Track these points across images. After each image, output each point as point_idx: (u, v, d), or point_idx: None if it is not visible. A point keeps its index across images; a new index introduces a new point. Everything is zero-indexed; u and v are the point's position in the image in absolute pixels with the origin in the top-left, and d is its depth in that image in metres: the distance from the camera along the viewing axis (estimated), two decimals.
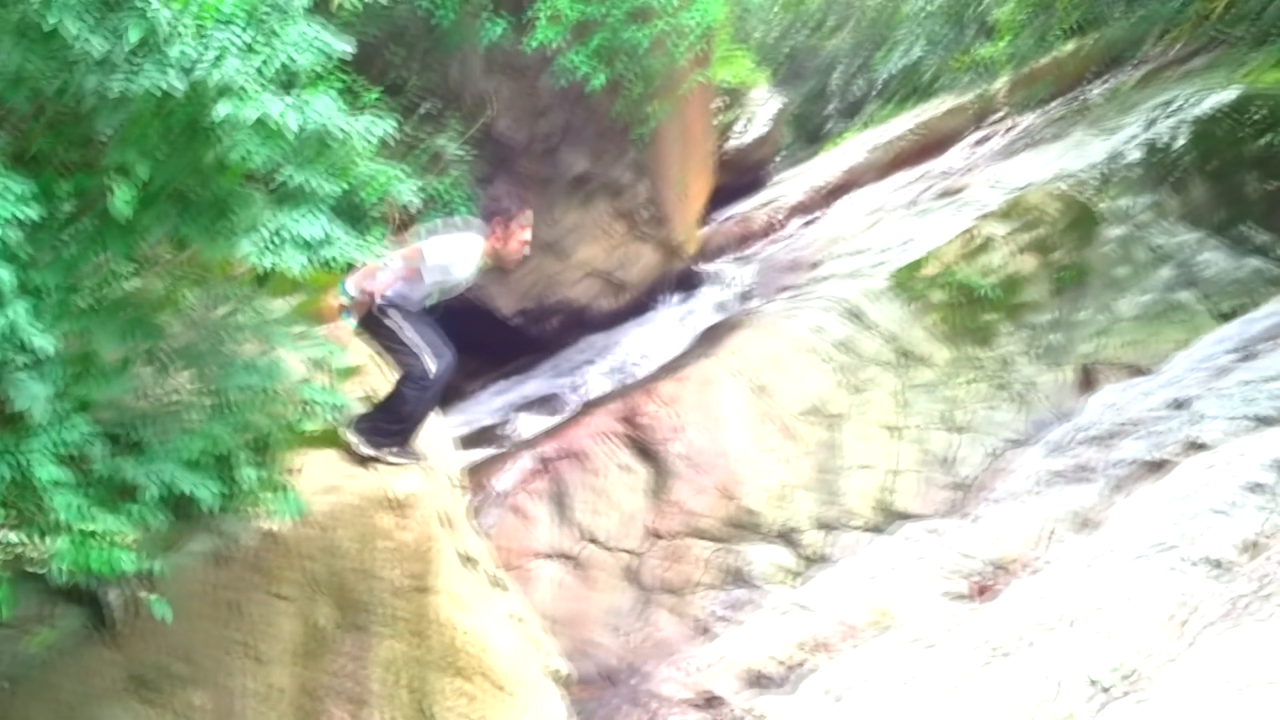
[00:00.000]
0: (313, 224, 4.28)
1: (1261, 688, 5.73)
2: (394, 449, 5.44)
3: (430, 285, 5.65)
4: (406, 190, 5.51)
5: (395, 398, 5.52)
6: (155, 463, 4.22)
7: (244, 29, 3.84)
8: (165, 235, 4.23)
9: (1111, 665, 6.40)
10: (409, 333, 5.50)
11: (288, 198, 4.32)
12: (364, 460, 5.38)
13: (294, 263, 4.24)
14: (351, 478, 5.29)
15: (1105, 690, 6.13)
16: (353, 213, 6.29)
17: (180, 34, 3.71)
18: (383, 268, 5.45)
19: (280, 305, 5.38)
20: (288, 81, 4.06)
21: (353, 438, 5.40)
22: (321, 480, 5.16)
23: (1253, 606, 6.64)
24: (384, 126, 4.19)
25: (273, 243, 4.24)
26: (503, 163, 10.99)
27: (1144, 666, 6.35)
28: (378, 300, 5.48)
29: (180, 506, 4.34)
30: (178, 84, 3.70)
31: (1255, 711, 5.61)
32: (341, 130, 4.02)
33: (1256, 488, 7.78)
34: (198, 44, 3.72)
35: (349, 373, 5.77)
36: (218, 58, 3.72)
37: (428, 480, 5.61)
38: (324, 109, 3.97)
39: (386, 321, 5.52)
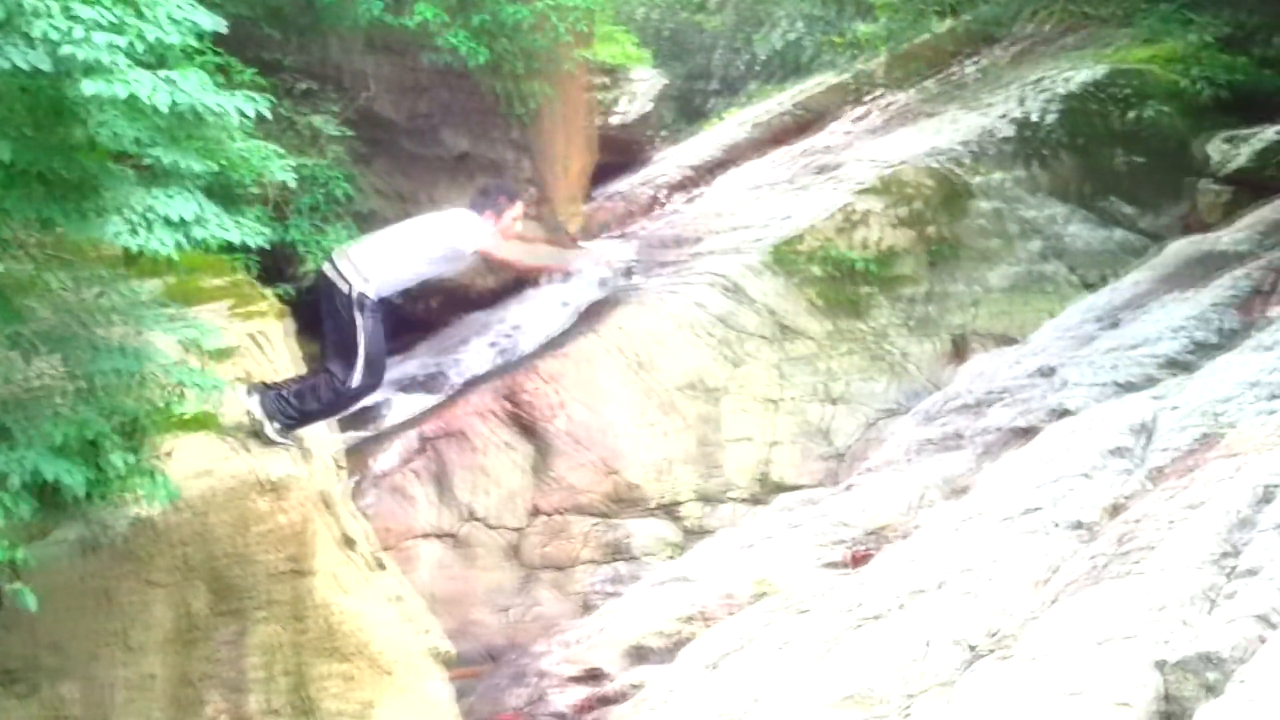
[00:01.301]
0: (184, 204, 4.23)
1: (1119, 642, 5.96)
2: (278, 427, 5.40)
3: (436, 272, 5.60)
4: (281, 169, 5.47)
5: (308, 390, 5.45)
6: (20, 450, 4.14)
7: (111, 6, 3.77)
8: (30, 217, 4.16)
9: (979, 625, 6.60)
10: (365, 339, 5.40)
11: (158, 177, 4.27)
12: (252, 428, 5.32)
13: (165, 243, 4.20)
14: (226, 461, 5.24)
15: (973, 649, 6.32)
16: (226, 192, 6.23)
17: (45, 10, 3.64)
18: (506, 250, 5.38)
19: (151, 287, 5.32)
20: (158, 59, 4.01)
21: (249, 401, 5.33)
22: (195, 464, 5.10)
23: (1113, 565, 6.89)
24: (258, 105, 4.15)
25: (143, 223, 4.19)
26: (382, 142, 10.91)
27: (1010, 625, 6.56)
28: (372, 293, 5.37)
29: (47, 494, 4.27)
30: (42, 62, 3.64)
31: (1113, 664, 5.84)
32: (214, 108, 3.97)
33: (1119, 451, 8.07)
34: (64, 21, 3.65)
35: (223, 354, 5.70)
36: (84, 35, 3.65)
37: (304, 462, 5.58)
38: (195, 87, 3.92)
39: (359, 316, 5.41)
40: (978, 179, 11.77)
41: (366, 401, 5.67)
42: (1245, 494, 7.19)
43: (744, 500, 8.67)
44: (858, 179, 11.87)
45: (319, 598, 5.48)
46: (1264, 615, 6.20)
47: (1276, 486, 7.25)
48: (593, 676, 6.97)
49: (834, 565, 7.61)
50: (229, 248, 4.97)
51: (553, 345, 9.78)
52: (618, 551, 8.17)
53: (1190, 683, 5.87)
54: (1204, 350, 9.09)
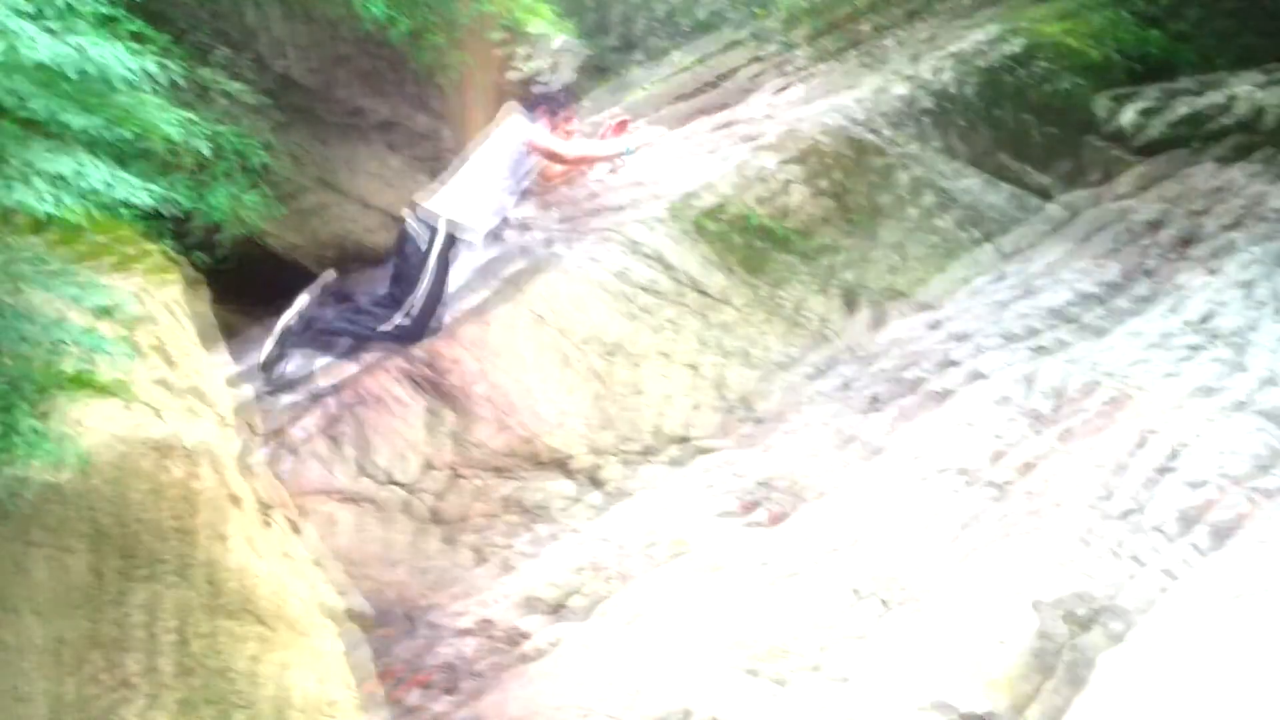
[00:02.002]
0: (96, 169, 4.19)
1: (993, 582, 6.16)
2: (285, 365, 5.34)
3: (517, 187, 5.52)
4: (196, 137, 5.42)
5: (358, 317, 5.37)
6: None
7: None
8: None
9: (892, 580, 6.76)
10: (429, 280, 5.36)
11: (68, 142, 4.23)
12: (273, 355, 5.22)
13: (74, 209, 4.15)
14: (136, 427, 5.20)
15: (885, 603, 6.48)
16: (139, 157, 6.15)
17: None
18: (571, 147, 5.26)
19: (64, 252, 5.26)
20: (69, 23, 3.96)
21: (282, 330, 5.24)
22: (104, 429, 5.07)
23: (1022, 522, 7.10)
24: (171, 70, 4.11)
25: (52, 188, 4.14)
26: (300, 110, 10.82)
27: (922, 580, 6.74)
28: (446, 237, 5.24)
29: None
30: None
31: (986, 603, 6.03)
32: (95, 60, 3.93)
33: (1003, 400, 8.31)
34: None
35: (137, 321, 5.65)
36: None
37: (191, 418, 5.54)
38: (107, 52, 3.88)
39: (432, 262, 5.34)
40: (897, 148, 11.88)
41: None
42: (1147, 450, 7.43)
43: (661, 461, 8.72)
44: (777, 146, 11.91)
45: (227, 560, 5.46)
46: (1165, 567, 6.45)
47: (1181, 445, 7.49)
48: (484, 628, 7.03)
49: (750, 524, 7.72)
50: (113, 202, 4.90)
51: (473, 311, 9.75)
52: (535, 512, 8.20)
53: (1091, 629, 6.09)
54: (1085, 301, 9.35)
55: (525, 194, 5.50)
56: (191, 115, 8.83)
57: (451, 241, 5.32)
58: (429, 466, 8.40)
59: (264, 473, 7.82)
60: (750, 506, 7.69)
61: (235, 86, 9.78)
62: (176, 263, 6.79)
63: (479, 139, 5.73)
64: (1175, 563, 6.36)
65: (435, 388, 8.84)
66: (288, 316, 5.37)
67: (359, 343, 5.47)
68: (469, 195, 5.32)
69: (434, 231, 5.29)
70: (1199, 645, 5.50)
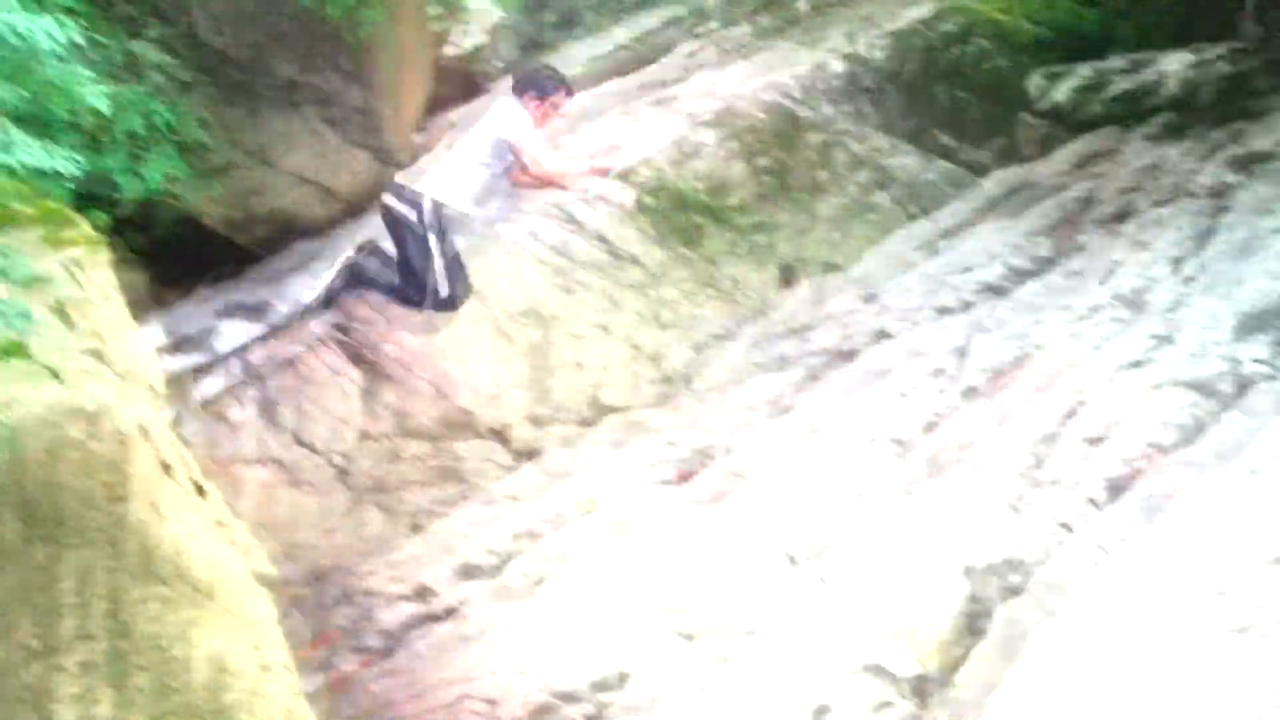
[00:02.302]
0: (25, 142, 4.08)
1: (925, 548, 6.24)
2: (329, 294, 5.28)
3: (495, 173, 5.45)
4: (98, 97, 5.29)
5: (381, 277, 5.27)
6: None
7: None
8: None
9: (802, 538, 6.83)
10: (440, 260, 5.30)
11: None
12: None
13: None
14: (67, 397, 5.11)
15: (792, 560, 6.54)
16: (38, 120, 6.01)
17: None
18: (544, 158, 5.21)
19: None
20: None
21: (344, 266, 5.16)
22: (34, 400, 4.97)
23: (926, 479, 7.20)
24: (69, 29, 4.00)
25: None
26: (207, 69, 10.59)
27: (828, 538, 6.80)
28: (434, 213, 5.20)
29: None
30: None
31: (918, 569, 6.12)
32: (22, 32, 3.83)
33: (936, 372, 8.39)
34: None
35: (32, 282, 5.55)
36: None
37: (121, 390, 5.48)
38: (35, 24, 3.78)
39: (430, 238, 5.29)
40: (809, 112, 11.96)
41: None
42: (1052, 410, 7.56)
43: (574, 423, 8.73)
44: (693, 112, 11.95)
45: (138, 524, 5.38)
46: (1065, 522, 6.57)
47: (1081, 403, 7.62)
48: (420, 594, 7.00)
49: (661, 483, 7.76)
50: (41, 175, 4.80)
51: None
52: (448, 475, 8.17)
53: (995, 586, 6.20)
54: (1018, 276, 9.45)
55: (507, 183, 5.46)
56: (123, 89, 8.72)
57: (439, 215, 5.29)
58: (359, 435, 8.34)
59: (194, 441, 7.74)
60: (686, 476, 7.73)
61: (169, 61, 9.60)
62: (107, 237, 6.68)
63: (467, 120, 5.71)
64: (1105, 533, 6.46)
65: (344, 348, 8.76)
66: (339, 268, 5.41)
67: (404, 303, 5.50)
68: (452, 178, 5.28)
69: (420, 209, 5.25)
70: (1129, 618, 5.61)
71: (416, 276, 5.40)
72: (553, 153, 5.19)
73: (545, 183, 5.39)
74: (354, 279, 5.42)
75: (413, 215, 5.29)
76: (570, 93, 5.81)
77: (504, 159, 5.44)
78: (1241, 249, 8.85)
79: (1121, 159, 10.93)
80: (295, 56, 11.07)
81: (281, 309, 9.58)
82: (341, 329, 8.86)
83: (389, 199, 5.51)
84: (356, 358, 8.68)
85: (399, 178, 5.57)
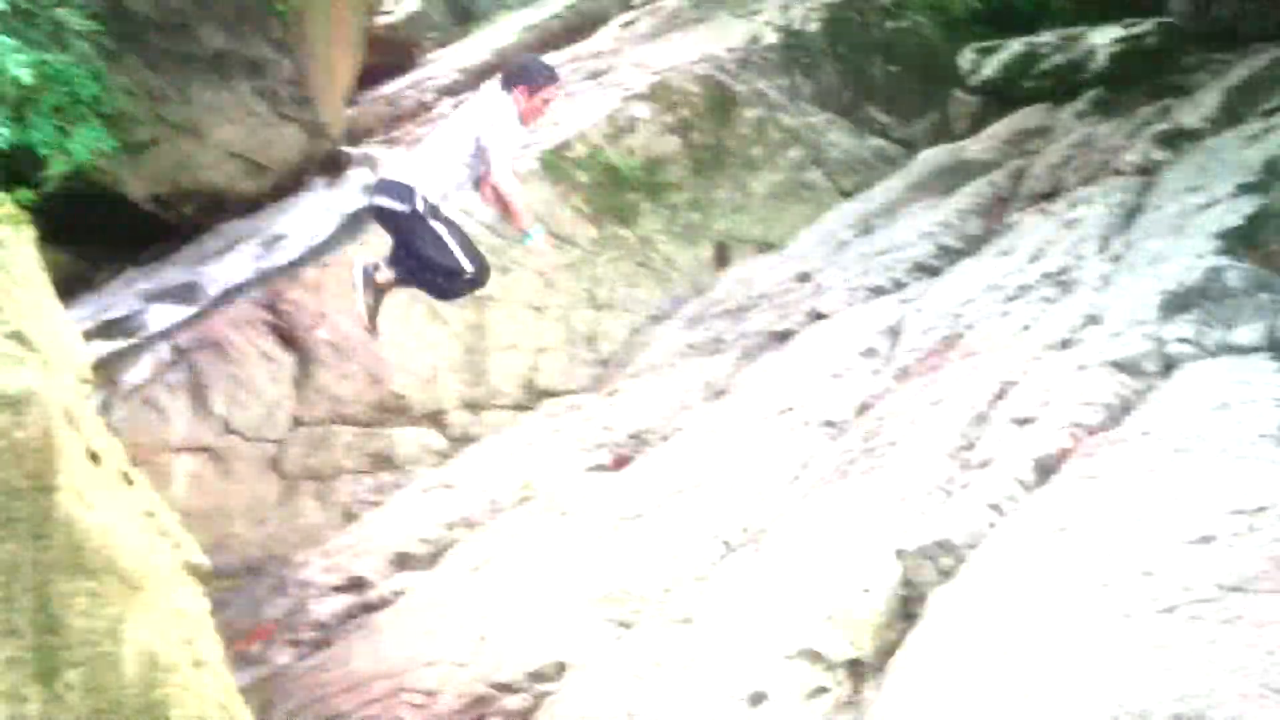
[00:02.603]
0: None
1: (859, 532, 6.27)
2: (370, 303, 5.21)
3: (476, 172, 5.34)
4: (21, 66, 5.15)
5: (428, 277, 5.19)
6: None
7: None
8: None
9: (734, 521, 6.84)
10: (453, 241, 5.18)
11: None
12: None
13: None
14: None
15: (728, 544, 6.55)
16: None
17: None
18: (507, 175, 5.09)
19: None
20: None
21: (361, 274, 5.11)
22: None
23: (859, 461, 7.22)
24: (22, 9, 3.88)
25: None
26: (133, 38, 10.38)
27: (763, 520, 6.83)
28: (428, 201, 5.11)
29: None
30: None
31: (852, 553, 6.15)
32: None
33: (868, 352, 8.41)
34: None
35: None
36: None
37: (47, 375, 5.37)
38: None
39: (434, 225, 5.17)
40: (743, 87, 11.94)
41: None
42: (982, 391, 7.61)
43: (509, 407, 8.71)
44: (627, 86, 11.91)
45: (64, 514, 5.30)
46: (995, 504, 6.62)
47: (1010, 383, 7.69)
48: (355, 584, 6.96)
49: (596, 468, 7.75)
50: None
51: (315, 254, 9.58)
52: (382, 461, 8.13)
53: (927, 568, 6.24)
54: (949, 255, 9.50)
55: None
56: (44, 56, 8.50)
57: (435, 212, 5.19)
58: (272, 413, 8.26)
59: (123, 428, 7.62)
60: (623, 461, 7.73)
61: (62, 12, 9.36)
62: (31, 215, 6.52)
63: (456, 109, 5.61)
64: (1033, 514, 6.51)
65: (275, 331, 8.67)
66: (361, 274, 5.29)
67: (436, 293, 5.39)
68: (430, 172, 5.17)
69: (412, 199, 5.13)
70: (1056, 599, 5.67)
71: (438, 266, 5.28)
72: (510, 176, 5.10)
73: (500, 201, 5.27)
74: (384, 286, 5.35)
75: (406, 207, 5.17)
76: (560, 85, 5.71)
77: (477, 163, 5.33)
78: (1169, 227, 8.93)
79: (1052, 136, 11.01)
80: (223, 25, 10.88)
81: (211, 291, 9.47)
82: (272, 311, 8.77)
83: (379, 199, 5.39)
84: (288, 341, 8.60)
85: (382, 172, 5.49)
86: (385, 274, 5.38)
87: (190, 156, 10.83)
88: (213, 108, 10.93)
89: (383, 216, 5.40)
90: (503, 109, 5.29)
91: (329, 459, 8.08)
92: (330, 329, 8.66)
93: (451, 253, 5.32)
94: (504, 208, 5.12)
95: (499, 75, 5.41)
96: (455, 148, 5.31)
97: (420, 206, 5.24)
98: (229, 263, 9.86)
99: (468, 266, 5.39)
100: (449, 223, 5.40)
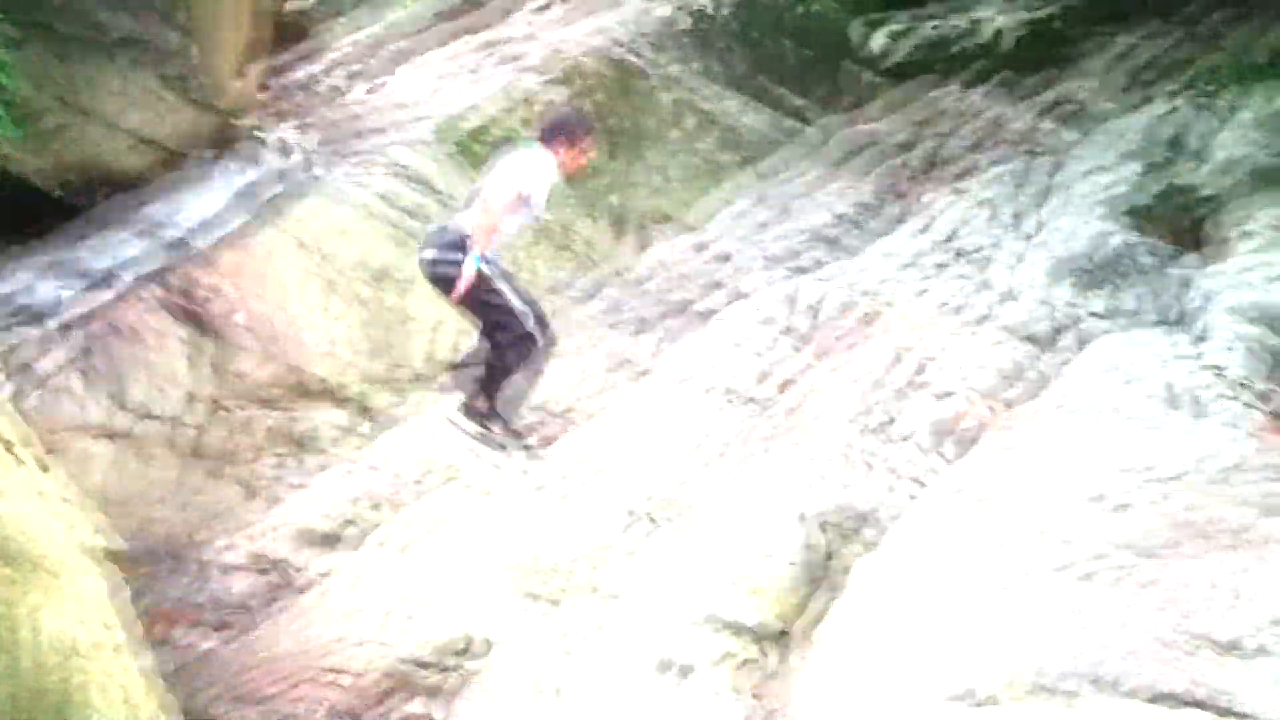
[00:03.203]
0: None
1: (774, 503, 6.37)
2: (498, 429, 5.06)
3: (519, 226, 5.21)
4: None
5: (495, 368, 5.06)
6: None
7: None
8: None
9: (657, 498, 6.92)
10: (508, 293, 5.03)
11: None
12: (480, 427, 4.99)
13: None
14: None
15: (652, 521, 6.62)
16: None
17: None
18: (497, 222, 4.94)
19: None
20: None
21: (461, 420, 4.99)
22: None
23: (780, 436, 7.34)
24: None
25: None
26: (36, 24, 10.16)
27: (690, 497, 6.91)
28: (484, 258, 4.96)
29: None
30: None
31: (767, 524, 6.25)
32: None
33: (788, 330, 8.54)
34: None
35: None
36: None
37: None
38: None
39: (487, 273, 5.02)
40: (658, 70, 11.98)
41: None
42: (900, 366, 7.77)
43: (432, 387, 8.66)
44: (540, 68, 11.88)
45: None
46: (916, 476, 6.78)
47: (928, 359, 7.85)
48: (278, 567, 6.91)
49: (521, 449, 7.76)
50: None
51: (230, 237, 9.45)
52: (304, 443, 8.05)
53: (849, 540, 6.36)
54: (865, 233, 9.65)
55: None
56: None
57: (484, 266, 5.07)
58: (191, 399, 8.13)
59: (35, 415, 7.45)
60: (546, 440, 7.74)
61: None
62: None
63: (495, 159, 5.48)
64: (943, 481, 6.66)
65: (194, 317, 8.54)
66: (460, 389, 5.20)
67: (524, 363, 5.21)
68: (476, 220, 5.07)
69: (467, 245, 5.01)
70: (960, 561, 5.79)
71: (509, 324, 5.15)
72: (487, 238, 5.04)
73: (486, 227, 5.20)
74: (480, 377, 5.23)
75: (460, 258, 5.05)
76: (595, 135, 5.67)
77: (532, 209, 5.24)
78: (1074, 204, 9.17)
79: (959, 114, 11.20)
80: (126, 9, 10.57)
81: (121, 274, 9.28)
82: (184, 295, 8.63)
83: (431, 252, 5.25)
84: (203, 326, 8.47)
85: (432, 228, 5.36)
86: (479, 398, 5.25)
87: (97, 142, 10.60)
88: (118, 93, 10.71)
89: (437, 270, 5.28)
90: (544, 163, 5.25)
91: (250, 442, 7.98)
92: (247, 313, 8.56)
93: (508, 302, 5.19)
94: (485, 231, 5.01)
95: (537, 128, 5.37)
96: (499, 201, 5.22)
97: (477, 259, 5.12)
98: (139, 247, 9.67)
99: (525, 320, 5.24)
100: (504, 274, 5.29)
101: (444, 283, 5.17)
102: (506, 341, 5.13)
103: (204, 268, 8.80)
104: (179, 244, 9.32)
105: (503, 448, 5.29)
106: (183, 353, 8.32)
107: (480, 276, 5.09)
